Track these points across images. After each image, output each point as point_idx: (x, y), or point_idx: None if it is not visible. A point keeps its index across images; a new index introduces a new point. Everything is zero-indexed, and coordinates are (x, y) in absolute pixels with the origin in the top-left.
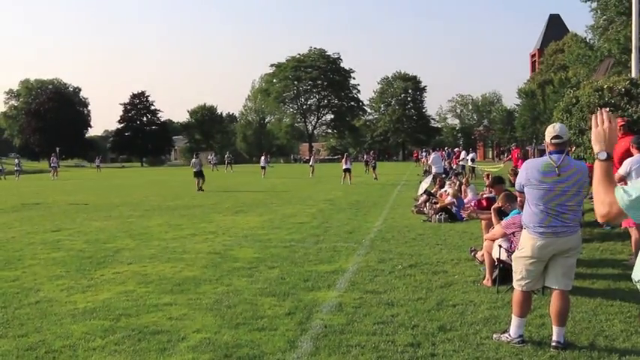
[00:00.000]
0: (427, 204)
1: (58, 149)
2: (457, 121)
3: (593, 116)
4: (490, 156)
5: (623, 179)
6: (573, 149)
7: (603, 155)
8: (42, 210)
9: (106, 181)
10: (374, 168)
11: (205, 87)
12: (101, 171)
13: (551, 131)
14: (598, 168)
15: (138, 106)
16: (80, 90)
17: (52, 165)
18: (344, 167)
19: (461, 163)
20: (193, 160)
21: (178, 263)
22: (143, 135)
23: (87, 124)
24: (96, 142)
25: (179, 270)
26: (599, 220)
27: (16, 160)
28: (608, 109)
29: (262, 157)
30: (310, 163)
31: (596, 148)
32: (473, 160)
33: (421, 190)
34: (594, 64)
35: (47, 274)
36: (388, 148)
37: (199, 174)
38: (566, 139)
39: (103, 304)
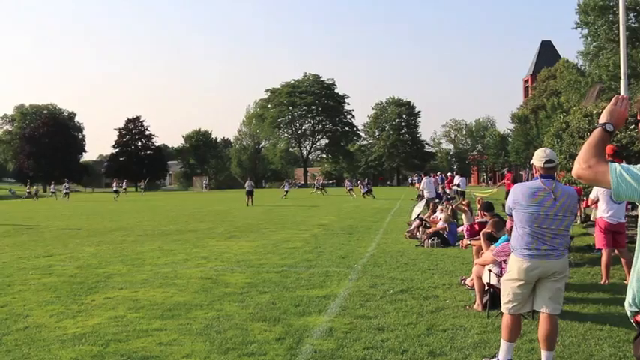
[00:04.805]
0: (420, 228)
1: (67, 181)
2: (451, 146)
3: (615, 97)
4: (483, 180)
5: (595, 202)
6: (564, 174)
7: (610, 127)
8: (34, 235)
9: (100, 206)
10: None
11: (200, 112)
12: (127, 194)
13: (542, 155)
14: (598, 135)
15: (133, 131)
16: (75, 115)
17: (64, 190)
18: (348, 188)
19: (454, 187)
20: (247, 182)
21: (170, 288)
22: (138, 160)
23: (81, 149)
24: (90, 166)
25: (170, 295)
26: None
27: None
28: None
29: (248, 182)
30: (320, 187)
31: (605, 118)
32: (459, 185)
33: (414, 214)
34: (585, 90)
35: (37, 300)
36: (383, 172)
37: (250, 193)
38: (557, 164)
39: (92, 330)
